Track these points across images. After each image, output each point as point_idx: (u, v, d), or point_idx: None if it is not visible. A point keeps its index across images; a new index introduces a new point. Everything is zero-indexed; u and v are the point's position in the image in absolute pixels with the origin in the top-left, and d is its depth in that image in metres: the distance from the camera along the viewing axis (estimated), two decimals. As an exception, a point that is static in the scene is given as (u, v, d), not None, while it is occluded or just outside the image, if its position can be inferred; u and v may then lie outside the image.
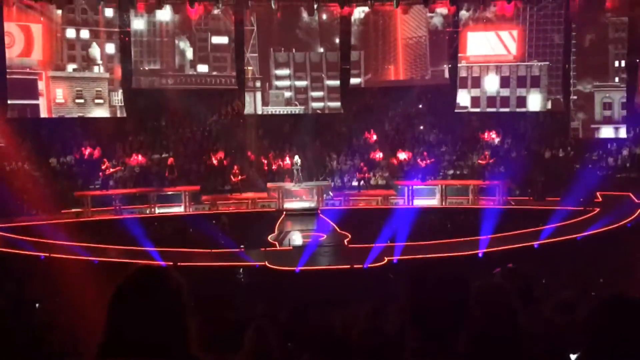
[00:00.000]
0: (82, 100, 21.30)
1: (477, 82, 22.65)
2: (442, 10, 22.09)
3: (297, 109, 22.82)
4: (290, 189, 19.75)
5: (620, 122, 21.57)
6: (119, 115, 21.97)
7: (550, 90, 22.19)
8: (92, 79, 21.45)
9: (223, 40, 22.17)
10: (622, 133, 21.59)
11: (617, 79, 21.50)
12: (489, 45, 22.32)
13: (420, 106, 23.67)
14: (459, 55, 22.44)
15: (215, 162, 20.94)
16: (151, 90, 22.28)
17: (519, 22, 22.05)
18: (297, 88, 22.66)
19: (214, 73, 22.26)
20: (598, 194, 19.53)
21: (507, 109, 22.58)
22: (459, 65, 22.50)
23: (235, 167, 20.22)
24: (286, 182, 19.84)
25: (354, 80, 22.87)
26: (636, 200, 18.71)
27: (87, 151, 20.67)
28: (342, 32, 22.68)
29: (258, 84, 22.87)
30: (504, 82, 22.53)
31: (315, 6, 21.77)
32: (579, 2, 21.30)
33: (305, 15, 22.07)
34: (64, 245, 14.94)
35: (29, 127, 20.81)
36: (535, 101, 22.47)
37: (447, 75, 22.53)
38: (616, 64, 21.45)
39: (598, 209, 18.30)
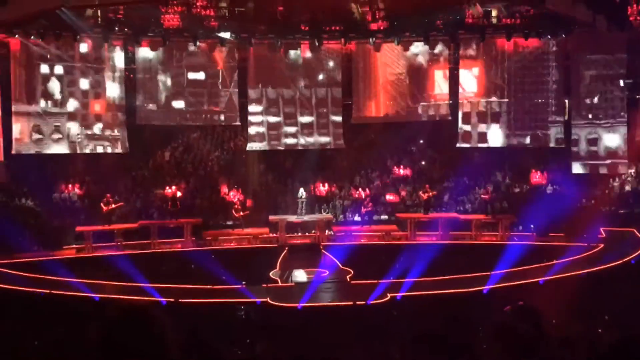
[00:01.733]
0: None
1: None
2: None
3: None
4: (293, 221, 19.71)
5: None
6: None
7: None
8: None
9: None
10: (622, 169, 21.61)
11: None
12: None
13: (422, 141, 23.80)
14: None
15: (216, 197, 20.97)
16: (154, 125, 22.44)
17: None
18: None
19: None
20: (602, 229, 19.46)
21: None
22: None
23: (237, 202, 20.24)
24: (289, 215, 19.83)
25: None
26: (640, 236, 18.63)
27: (90, 187, 20.71)
28: (344, 68, 22.95)
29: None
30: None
31: (317, 43, 22.09)
32: (576, 40, 21.59)
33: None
34: (64, 281, 14.84)
35: (32, 162, 20.89)
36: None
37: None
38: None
39: (602, 245, 18.20)
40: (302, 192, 19.88)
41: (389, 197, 21.70)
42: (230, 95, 22.50)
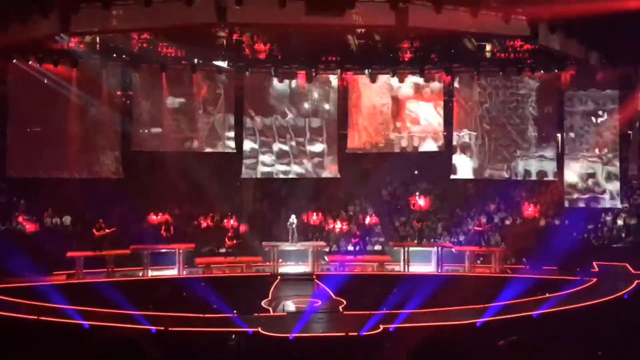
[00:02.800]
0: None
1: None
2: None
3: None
4: (286, 248, 19.64)
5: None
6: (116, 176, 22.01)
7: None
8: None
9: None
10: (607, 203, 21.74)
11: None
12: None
13: (416, 172, 23.92)
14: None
15: (211, 225, 20.92)
16: (149, 151, 22.46)
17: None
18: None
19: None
20: (595, 263, 19.48)
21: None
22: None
23: (230, 230, 20.20)
24: (281, 242, 19.78)
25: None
26: (633, 271, 18.64)
27: (82, 212, 20.62)
28: (339, 98, 23.14)
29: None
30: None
31: (313, 73, 22.32)
32: (569, 76, 21.92)
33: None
34: (53, 308, 14.67)
35: (26, 186, 20.83)
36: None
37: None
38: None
39: (595, 279, 18.20)
40: (293, 218, 19.86)
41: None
42: (226, 123, 22.59)
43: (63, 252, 18.51)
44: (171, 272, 19.19)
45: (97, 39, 20.77)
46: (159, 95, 22.21)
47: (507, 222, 21.82)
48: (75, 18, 15.59)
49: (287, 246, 19.67)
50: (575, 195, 21.99)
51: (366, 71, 22.40)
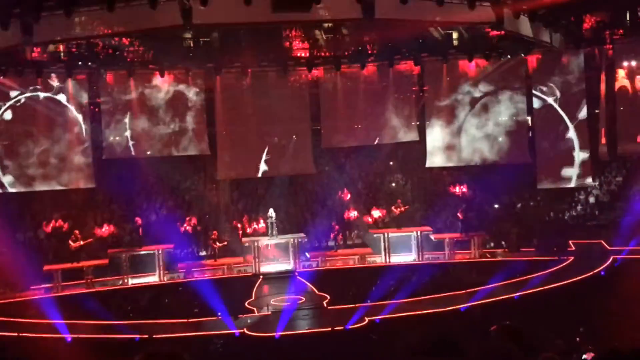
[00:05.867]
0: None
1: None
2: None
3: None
4: (266, 242, 19.58)
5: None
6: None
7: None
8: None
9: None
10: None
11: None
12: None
13: (391, 163, 24.02)
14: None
15: (189, 228, 20.74)
16: (121, 159, 22.14)
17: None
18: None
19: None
20: (571, 242, 19.84)
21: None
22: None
23: (215, 232, 20.08)
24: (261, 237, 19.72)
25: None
26: (608, 248, 19.03)
27: (57, 224, 20.27)
28: (311, 94, 23.10)
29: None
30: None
31: (284, 71, 22.24)
32: (536, 60, 22.20)
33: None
34: (33, 323, 14.40)
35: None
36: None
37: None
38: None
39: (572, 258, 18.55)
40: (271, 212, 19.77)
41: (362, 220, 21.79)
42: (198, 125, 22.38)
43: (40, 266, 18.16)
44: (152, 279, 18.99)
45: (61, 47, 20.38)
46: (127, 101, 21.88)
47: (485, 207, 22.05)
48: (37, 27, 15.27)
49: (266, 240, 19.60)
50: (548, 177, 22.30)
51: (335, 65, 22.39)
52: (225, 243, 19.85)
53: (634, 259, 17.84)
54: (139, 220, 20.20)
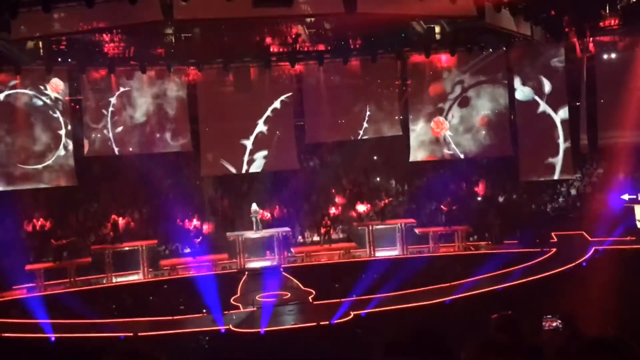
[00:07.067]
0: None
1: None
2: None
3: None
4: (250, 237, 19.55)
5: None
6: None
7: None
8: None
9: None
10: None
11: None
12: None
13: (375, 158, 24.06)
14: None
15: (173, 225, 20.64)
16: (104, 156, 21.94)
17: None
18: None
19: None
20: (553, 234, 20.05)
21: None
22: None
23: (194, 229, 19.98)
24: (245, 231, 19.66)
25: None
26: (589, 239, 19.25)
27: (39, 223, 20.06)
28: (294, 89, 23.03)
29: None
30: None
31: (266, 67, 22.14)
32: (516, 52, 22.35)
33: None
34: (16, 323, 14.25)
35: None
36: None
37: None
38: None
39: (554, 249, 18.74)
40: (254, 206, 19.72)
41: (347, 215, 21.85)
42: (181, 122, 22.23)
43: (21, 265, 17.96)
44: (136, 277, 18.87)
45: (40, 43, 20.10)
46: (109, 98, 21.67)
47: (468, 201, 22.20)
48: (15, 23, 15.05)
49: (251, 234, 19.55)
50: (530, 170, 22.49)
51: (318, 60, 22.34)
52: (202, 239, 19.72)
53: (615, 250, 18.06)
54: (118, 217, 20.05)
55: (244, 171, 22.67)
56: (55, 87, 20.89)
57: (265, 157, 22.65)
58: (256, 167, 22.66)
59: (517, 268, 16.64)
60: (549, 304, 13.46)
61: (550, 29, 20.85)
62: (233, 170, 22.63)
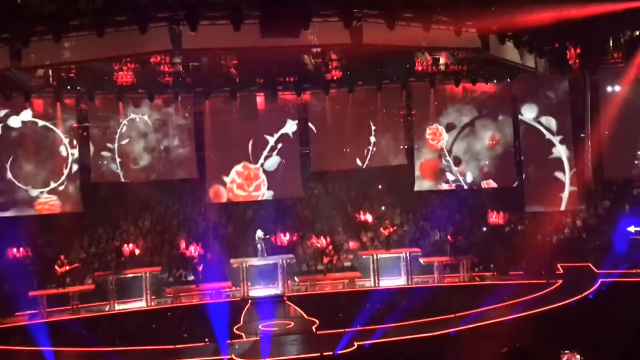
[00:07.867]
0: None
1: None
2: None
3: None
4: (254, 263, 19.45)
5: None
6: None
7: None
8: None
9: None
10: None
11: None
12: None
13: (380, 186, 24.07)
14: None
15: (177, 252, 20.63)
16: (109, 183, 22.04)
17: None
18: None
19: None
20: (559, 265, 19.90)
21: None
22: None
23: (197, 256, 19.93)
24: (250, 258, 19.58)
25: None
26: (596, 271, 19.10)
27: (43, 249, 20.06)
28: (300, 118, 23.21)
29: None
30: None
31: (272, 95, 22.34)
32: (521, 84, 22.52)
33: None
34: (18, 350, 14.16)
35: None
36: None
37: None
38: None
39: (560, 281, 18.58)
40: (259, 232, 19.68)
41: (351, 243, 21.79)
42: (187, 149, 22.37)
43: (25, 291, 17.90)
44: (139, 304, 18.77)
45: (50, 71, 20.38)
46: (116, 125, 21.87)
47: (474, 231, 22.12)
48: (26, 52, 15.27)
49: (255, 261, 19.48)
50: (535, 200, 22.43)
51: (324, 90, 22.55)
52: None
53: (622, 282, 17.90)
54: (125, 244, 20.05)
55: (249, 198, 22.69)
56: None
57: (270, 185, 22.70)
58: (261, 194, 22.70)
59: (523, 299, 16.49)
60: (554, 336, 13.33)
61: (554, 61, 21.02)
62: (238, 197, 22.68)
